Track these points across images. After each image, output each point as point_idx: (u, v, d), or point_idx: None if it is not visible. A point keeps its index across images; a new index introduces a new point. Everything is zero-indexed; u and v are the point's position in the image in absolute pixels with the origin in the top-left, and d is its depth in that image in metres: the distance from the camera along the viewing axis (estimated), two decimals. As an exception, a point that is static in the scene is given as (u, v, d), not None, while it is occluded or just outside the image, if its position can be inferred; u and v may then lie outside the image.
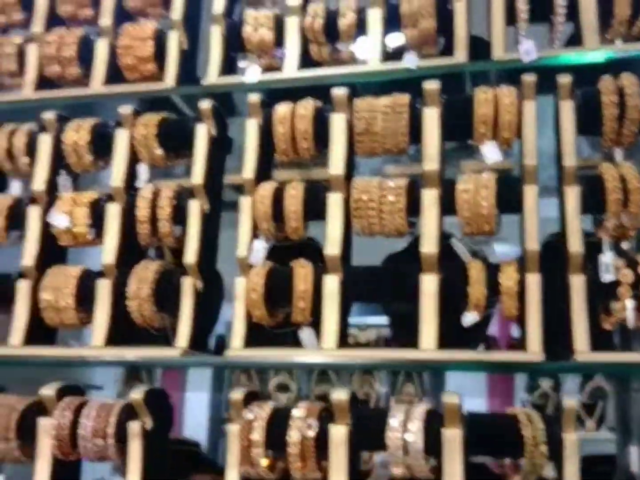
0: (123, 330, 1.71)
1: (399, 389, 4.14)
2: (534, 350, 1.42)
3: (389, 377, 4.15)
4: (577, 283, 1.45)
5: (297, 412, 1.43)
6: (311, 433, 1.40)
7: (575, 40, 1.76)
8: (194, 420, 3.48)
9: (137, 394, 1.51)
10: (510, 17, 1.74)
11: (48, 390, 1.57)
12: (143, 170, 1.80)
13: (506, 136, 1.57)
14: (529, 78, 1.59)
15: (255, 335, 1.66)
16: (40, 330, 1.78)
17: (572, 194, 1.50)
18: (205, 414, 3.83)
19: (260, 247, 1.70)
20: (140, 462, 1.50)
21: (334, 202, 1.65)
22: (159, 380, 3.67)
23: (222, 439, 3.91)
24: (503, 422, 1.37)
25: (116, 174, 1.80)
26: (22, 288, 1.78)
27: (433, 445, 1.36)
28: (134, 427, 1.49)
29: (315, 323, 1.63)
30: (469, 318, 1.49)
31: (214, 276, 1.82)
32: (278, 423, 1.43)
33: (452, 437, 1.35)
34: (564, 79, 1.58)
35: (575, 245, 1.45)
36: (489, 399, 3.96)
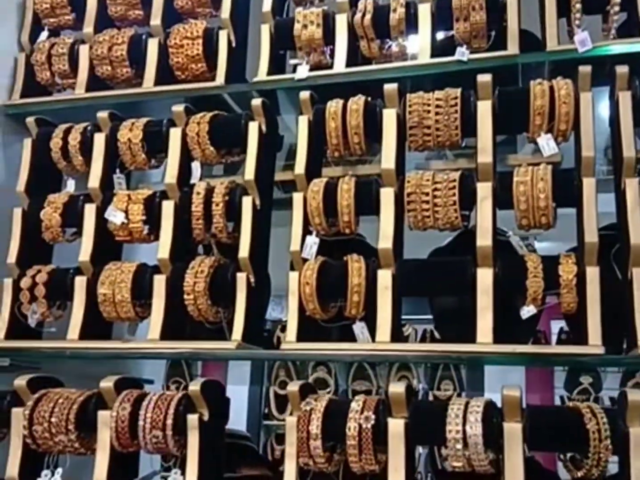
0: (177, 324, 1.74)
1: (437, 385, 4.12)
2: (595, 343, 1.41)
3: (426, 373, 4.14)
4: (639, 276, 1.43)
5: (355, 404, 1.44)
6: (369, 425, 1.40)
7: (627, 30, 1.74)
8: (233, 413, 3.50)
9: (195, 386, 1.53)
10: (561, 10, 1.73)
11: (107, 383, 1.60)
12: (196, 168, 1.83)
13: (563, 128, 1.56)
14: (585, 69, 1.58)
15: (306, 330, 1.67)
16: (96, 326, 1.82)
17: (632, 186, 1.48)
18: (245, 407, 3.86)
19: (313, 242, 1.71)
20: (198, 454, 1.52)
21: (386, 196, 1.65)
22: (200, 374, 3.71)
23: (261, 431, 3.94)
24: (565, 415, 1.36)
25: (170, 171, 1.82)
26: (79, 283, 1.81)
27: (492, 438, 1.36)
28: (193, 419, 1.51)
29: (367, 317, 1.64)
30: (527, 311, 1.48)
31: (265, 271, 1.83)
32: (335, 415, 1.44)
33: (513, 430, 1.34)
34: (622, 70, 1.56)
35: (637, 237, 1.43)
36: (527, 395, 3.92)
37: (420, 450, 3.28)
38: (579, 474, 1.31)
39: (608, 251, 1.63)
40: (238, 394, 3.81)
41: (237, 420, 3.67)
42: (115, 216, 1.79)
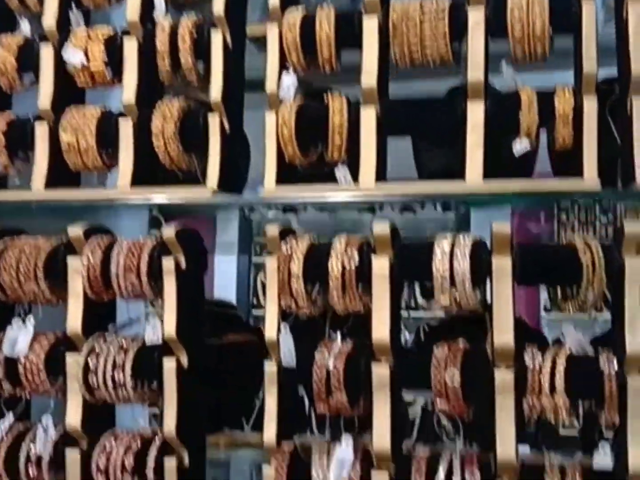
0: (149, 172, 1.63)
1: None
2: (591, 177, 1.33)
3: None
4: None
5: (337, 243, 1.37)
6: (352, 264, 1.34)
7: None
8: (222, 283, 3.49)
9: (169, 231, 1.45)
10: None
11: (75, 230, 1.51)
12: (159, 0, 1.66)
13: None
14: None
15: (285, 178, 1.58)
16: (62, 176, 1.70)
17: (636, 12, 1.36)
18: (234, 277, 3.86)
19: (291, 82, 1.58)
20: (175, 300, 1.46)
21: (370, 26, 1.51)
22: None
23: (250, 321, 3.95)
24: (558, 249, 1.31)
25: (131, 6, 1.65)
26: (40, 130, 1.68)
27: (481, 276, 1.31)
28: (169, 264, 1.45)
29: (350, 163, 1.55)
30: (520, 146, 1.39)
31: (240, 121, 1.71)
32: (318, 255, 1.38)
33: (502, 264, 1.29)
34: None
35: (638, 67, 1.33)
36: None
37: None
38: (571, 308, 1.28)
39: (603, 105, 1.53)
40: (226, 262, 3.78)
41: (227, 288, 3.66)
42: (74, 56, 1.64)
